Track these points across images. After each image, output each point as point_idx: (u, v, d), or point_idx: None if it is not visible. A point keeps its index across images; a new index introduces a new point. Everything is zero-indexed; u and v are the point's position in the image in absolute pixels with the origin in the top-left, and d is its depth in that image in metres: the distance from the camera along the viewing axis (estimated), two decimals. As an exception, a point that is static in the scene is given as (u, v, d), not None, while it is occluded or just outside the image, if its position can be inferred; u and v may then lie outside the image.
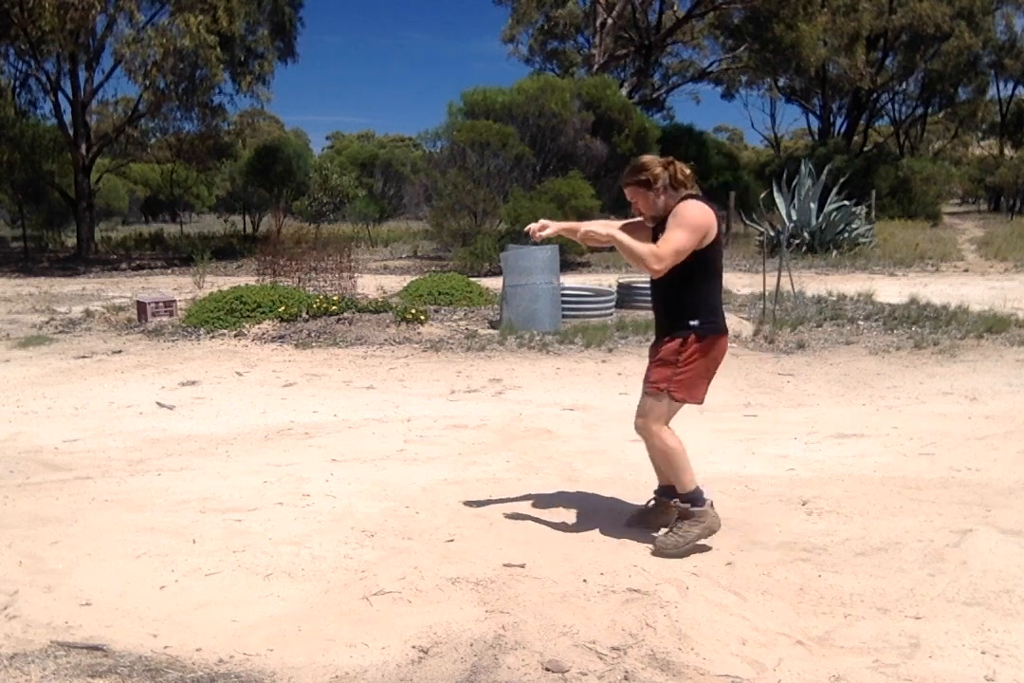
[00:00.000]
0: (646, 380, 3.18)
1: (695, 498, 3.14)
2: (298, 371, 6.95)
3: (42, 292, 12.98)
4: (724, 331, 3.15)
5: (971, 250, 18.06)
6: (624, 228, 3.15)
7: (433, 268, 15.68)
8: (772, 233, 15.70)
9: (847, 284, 11.78)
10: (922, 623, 2.61)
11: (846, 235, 17.18)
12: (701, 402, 3.21)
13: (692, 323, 3.06)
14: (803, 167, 17.28)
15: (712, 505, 3.18)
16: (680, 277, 3.04)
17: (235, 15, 17.06)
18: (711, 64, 29.61)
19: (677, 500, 3.18)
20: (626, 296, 9.87)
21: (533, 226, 3.21)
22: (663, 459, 3.19)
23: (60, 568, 3.02)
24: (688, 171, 3.10)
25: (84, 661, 2.41)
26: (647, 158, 3.17)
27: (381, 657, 2.43)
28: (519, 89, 17.61)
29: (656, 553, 3.11)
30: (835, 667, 2.36)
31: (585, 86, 18.48)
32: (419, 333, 8.19)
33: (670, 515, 3.27)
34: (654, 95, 30.51)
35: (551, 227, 3.19)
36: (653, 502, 3.39)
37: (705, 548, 3.21)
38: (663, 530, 3.25)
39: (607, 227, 3.10)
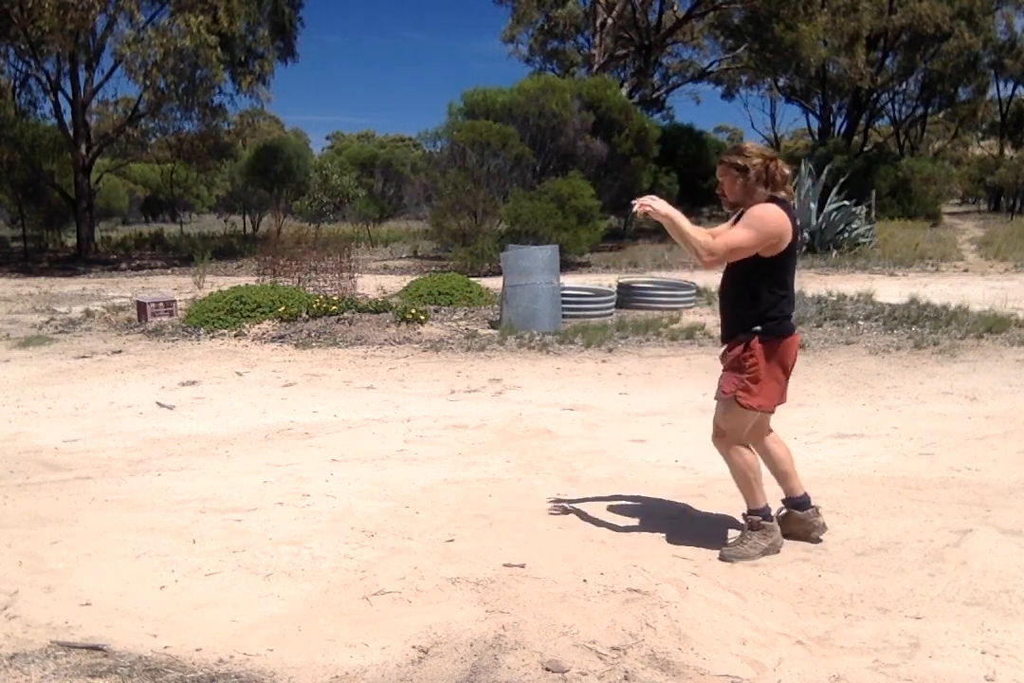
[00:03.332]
0: (718, 388, 3.15)
1: (765, 513, 3.18)
2: (298, 371, 6.95)
3: (42, 292, 12.97)
4: (790, 333, 3.07)
5: (971, 250, 18.04)
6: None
7: (433, 268, 15.67)
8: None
9: (847, 284, 11.77)
10: (922, 623, 2.61)
11: (846, 235, 17.18)
12: (772, 409, 3.16)
13: (756, 328, 3.03)
14: (803, 167, 17.26)
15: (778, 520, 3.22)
16: (748, 283, 3.03)
17: (235, 15, 17.03)
18: (711, 64, 29.62)
19: (747, 513, 3.22)
20: (626, 296, 9.87)
21: (645, 201, 2.95)
22: (734, 475, 3.18)
23: (60, 568, 3.02)
24: (787, 172, 3.03)
25: (84, 661, 2.41)
26: (750, 145, 3.10)
27: (381, 657, 2.43)
28: (519, 89, 17.61)
29: (722, 559, 3.12)
30: (835, 667, 2.36)
31: (585, 86, 18.47)
32: (419, 333, 8.19)
33: (799, 525, 3.29)
34: (654, 95, 30.48)
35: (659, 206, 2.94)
36: (784, 512, 3.36)
37: (706, 548, 3.21)
38: (732, 539, 3.27)
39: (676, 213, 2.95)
